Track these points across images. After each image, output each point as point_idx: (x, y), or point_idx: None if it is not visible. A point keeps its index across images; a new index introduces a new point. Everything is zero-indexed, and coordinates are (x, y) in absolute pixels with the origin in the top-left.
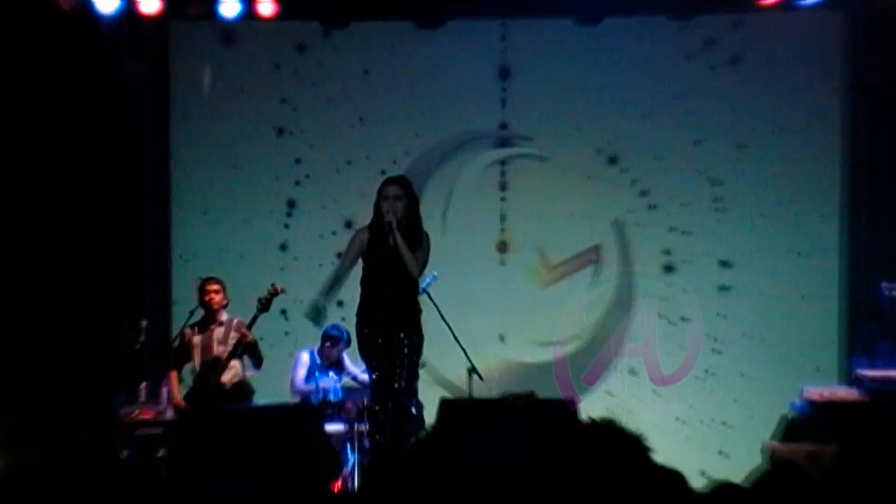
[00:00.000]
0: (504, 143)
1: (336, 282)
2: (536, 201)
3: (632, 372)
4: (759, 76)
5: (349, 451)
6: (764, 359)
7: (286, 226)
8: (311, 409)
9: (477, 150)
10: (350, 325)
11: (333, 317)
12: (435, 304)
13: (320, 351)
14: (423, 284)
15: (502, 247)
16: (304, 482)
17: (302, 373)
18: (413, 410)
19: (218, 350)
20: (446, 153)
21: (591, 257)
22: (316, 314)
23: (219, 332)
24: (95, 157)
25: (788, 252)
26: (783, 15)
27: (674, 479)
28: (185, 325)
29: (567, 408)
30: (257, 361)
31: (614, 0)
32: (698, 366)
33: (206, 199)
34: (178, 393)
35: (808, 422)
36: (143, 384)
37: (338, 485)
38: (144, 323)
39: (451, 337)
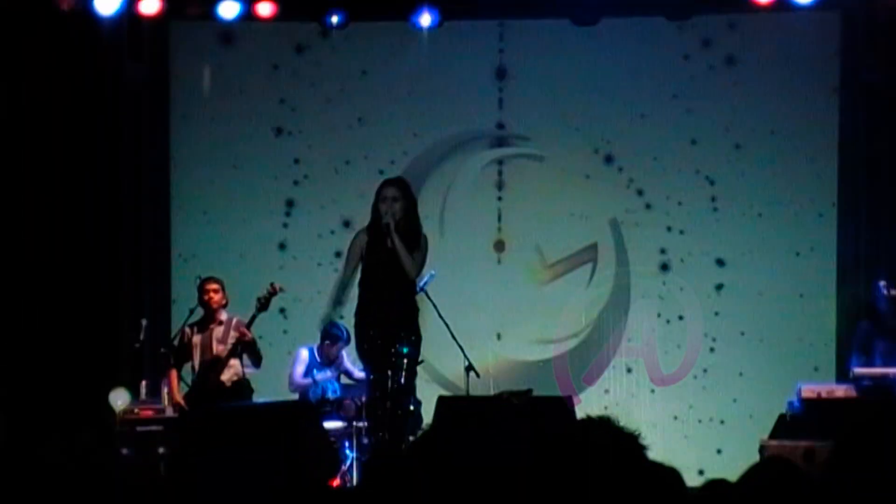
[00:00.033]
0: (501, 142)
1: (343, 290)
2: (533, 200)
3: (629, 370)
4: (756, 76)
5: (347, 449)
6: (761, 357)
7: (285, 225)
8: (309, 407)
9: (474, 150)
10: (349, 325)
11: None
12: (433, 303)
13: (320, 349)
14: (420, 283)
15: (499, 246)
16: (304, 479)
17: (300, 369)
18: (411, 408)
19: (217, 349)
20: (444, 153)
21: (588, 256)
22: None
23: (218, 331)
24: (95, 157)
25: (785, 251)
26: (780, 15)
27: (670, 476)
28: (184, 324)
29: (564, 405)
30: (257, 360)
31: (611, 1)
32: (696, 364)
33: (206, 198)
34: (178, 391)
35: (805, 420)
36: (143, 383)
37: (336, 482)
38: (144, 322)
39: (449, 335)
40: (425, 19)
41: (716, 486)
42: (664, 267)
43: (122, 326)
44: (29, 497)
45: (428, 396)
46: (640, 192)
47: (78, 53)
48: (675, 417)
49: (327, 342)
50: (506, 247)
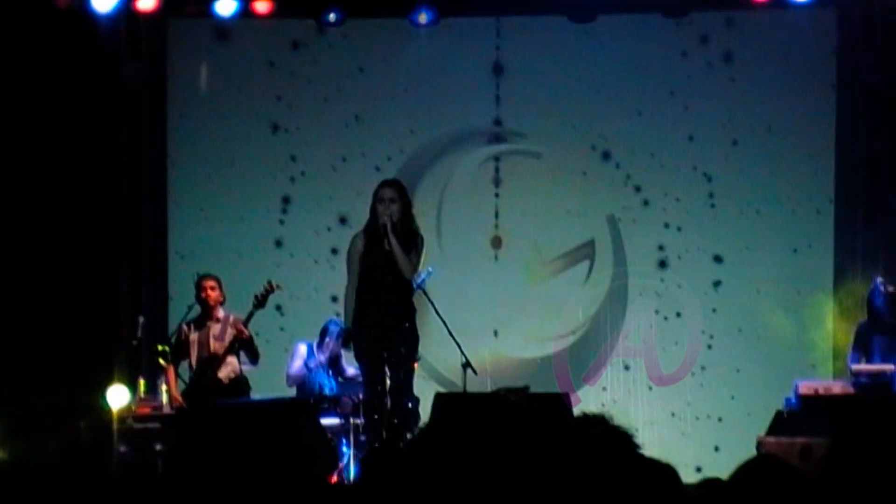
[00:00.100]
0: (498, 139)
1: (353, 300)
2: (530, 197)
3: (627, 368)
4: (754, 73)
5: (344, 446)
6: (759, 354)
7: (281, 222)
8: (307, 404)
9: (471, 147)
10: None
11: (329, 312)
12: (430, 300)
13: (319, 345)
14: (418, 280)
15: (496, 242)
16: (301, 476)
17: (298, 363)
18: (409, 405)
19: (215, 346)
20: (441, 150)
21: (586, 253)
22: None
23: (215, 328)
24: (93, 155)
25: (783, 248)
26: (777, 12)
27: (666, 473)
28: (182, 322)
29: (562, 402)
30: (254, 357)
31: None
32: (694, 362)
33: (203, 195)
34: (176, 389)
35: (802, 416)
36: (141, 380)
37: (333, 478)
38: (142, 319)
39: (446, 332)
40: (423, 17)
41: (710, 484)
42: (662, 264)
43: (120, 324)
44: (27, 494)
45: (425, 393)
46: (637, 189)
47: (75, 51)
48: (673, 414)
49: (327, 339)
50: (503, 243)
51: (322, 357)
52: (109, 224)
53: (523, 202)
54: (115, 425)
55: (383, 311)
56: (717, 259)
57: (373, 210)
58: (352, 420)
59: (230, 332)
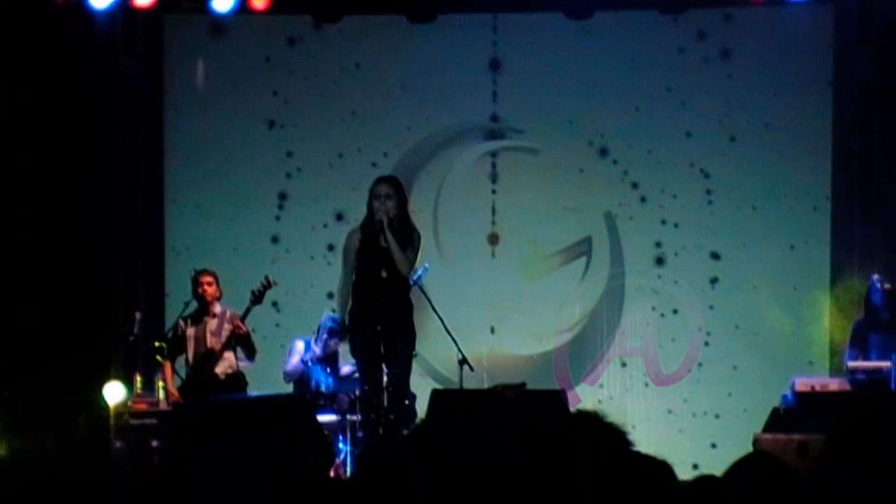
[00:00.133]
0: (495, 135)
1: (347, 293)
2: (527, 193)
3: (624, 365)
4: (751, 69)
5: (341, 442)
6: (756, 351)
7: (277, 218)
8: (303, 400)
9: (468, 143)
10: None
11: (325, 308)
12: (426, 296)
13: (316, 341)
14: (414, 277)
15: (493, 239)
16: (298, 472)
17: (295, 360)
18: (405, 402)
19: (211, 341)
20: (437, 146)
21: (582, 250)
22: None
23: (212, 323)
24: (89, 151)
25: (780, 244)
26: (774, 8)
27: (660, 469)
28: (179, 317)
29: (558, 399)
30: (251, 353)
31: None
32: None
33: (199, 191)
34: (172, 384)
35: (799, 413)
36: (137, 376)
37: (330, 475)
38: (138, 315)
39: (443, 329)
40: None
41: (704, 481)
42: (659, 261)
43: (116, 320)
44: (24, 490)
45: (421, 390)
46: (634, 186)
47: (72, 47)
48: (670, 411)
49: (325, 335)
50: (500, 240)
51: (318, 350)
52: (106, 220)
53: (520, 199)
54: (111, 421)
55: (380, 307)
56: (714, 256)
57: (369, 206)
58: (348, 417)
59: (227, 328)
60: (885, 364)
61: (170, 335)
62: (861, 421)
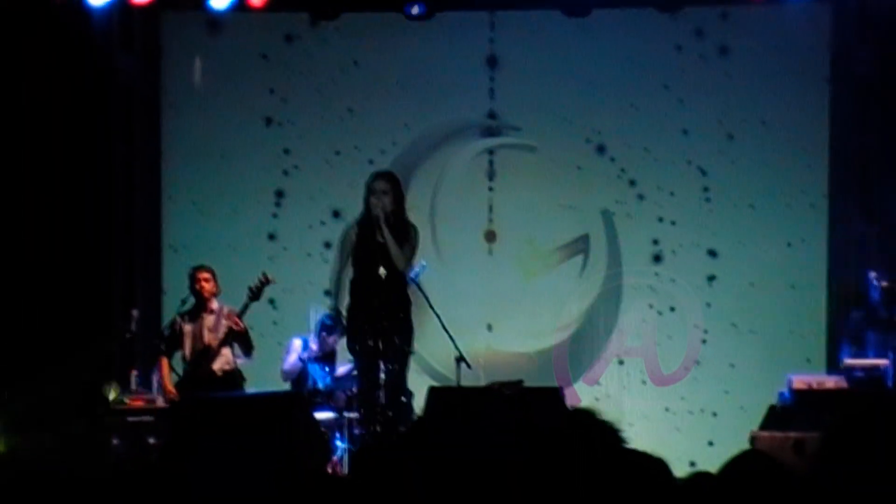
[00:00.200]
0: (492, 132)
1: (339, 284)
2: (524, 191)
3: (621, 362)
4: (748, 67)
5: (338, 440)
6: (753, 349)
7: (275, 215)
8: (300, 397)
9: (465, 140)
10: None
11: (323, 306)
12: (424, 294)
13: (314, 339)
14: (412, 274)
15: (490, 236)
16: (295, 469)
17: (293, 358)
18: (403, 399)
19: (209, 338)
20: (435, 143)
21: (580, 247)
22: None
23: (210, 320)
24: (86, 148)
25: (777, 242)
26: (771, 6)
27: (656, 466)
28: (177, 314)
29: (556, 396)
30: (248, 350)
31: None
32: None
33: (196, 189)
34: (169, 381)
35: (795, 411)
36: (134, 373)
37: (327, 472)
38: (135, 312)
39: (440, 326)
40: (416, 9)
41: (700, 477)
42: (656, 258)
43: (114, 317)
44: (21, 488)
45: (419, 387)
46: (632, 183)
47: (69, 44)
48: (667, 409)
49: (323, 333)
50: (497, 237)
51: (315, 347)
52: (103, 217)
53: (517, 196)
54: (108, 418)
55: (377, 302)
56: (712, 253)
57: (366, 202)
58: (345, 414)
59: (224, 324)
60: (882, 361)
61: (167, 331)
62: (858, 418)
